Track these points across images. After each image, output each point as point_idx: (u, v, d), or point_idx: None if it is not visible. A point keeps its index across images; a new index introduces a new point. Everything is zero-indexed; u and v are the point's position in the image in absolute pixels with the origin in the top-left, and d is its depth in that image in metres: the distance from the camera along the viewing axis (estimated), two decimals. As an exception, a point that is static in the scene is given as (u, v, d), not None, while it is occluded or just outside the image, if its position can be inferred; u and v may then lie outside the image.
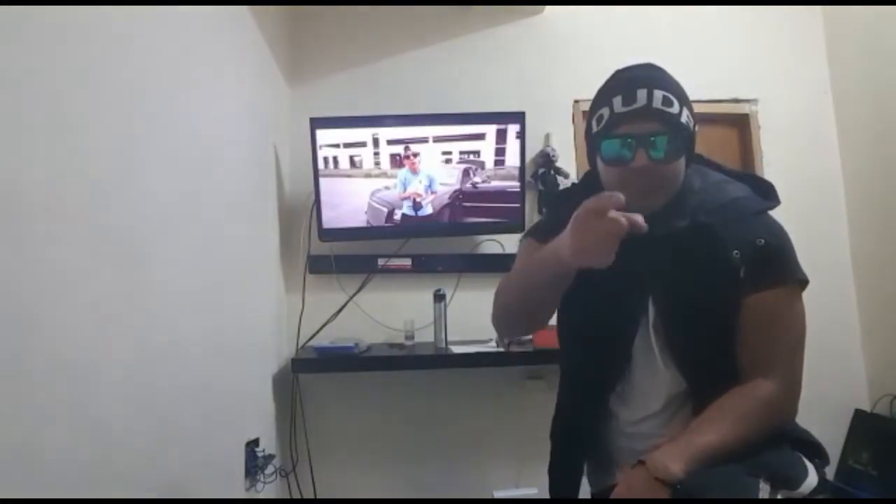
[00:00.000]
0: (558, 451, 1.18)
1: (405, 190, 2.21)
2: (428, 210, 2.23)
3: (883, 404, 2.30)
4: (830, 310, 2.27)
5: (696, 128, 1.05)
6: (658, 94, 0.98)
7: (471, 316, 2.25)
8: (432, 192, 2.22)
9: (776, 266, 1.00)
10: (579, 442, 1.12)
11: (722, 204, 1.04)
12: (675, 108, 0.99)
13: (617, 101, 1.00)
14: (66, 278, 0.90)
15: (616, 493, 0.90)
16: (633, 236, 0.86)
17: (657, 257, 1.03)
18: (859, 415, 2.34)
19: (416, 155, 2.20)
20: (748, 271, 0.99)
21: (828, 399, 2.21)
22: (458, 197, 2.23)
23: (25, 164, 0.82)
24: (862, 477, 2.17)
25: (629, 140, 0.99)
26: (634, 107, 0.98)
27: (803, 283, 1.03)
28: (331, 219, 2.18)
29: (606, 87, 1.06)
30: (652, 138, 0.98)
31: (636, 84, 0.99)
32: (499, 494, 2.12)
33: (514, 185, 2.23)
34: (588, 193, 1.11)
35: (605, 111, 1.01)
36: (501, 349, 2.08)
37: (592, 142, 1.07)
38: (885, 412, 2.27)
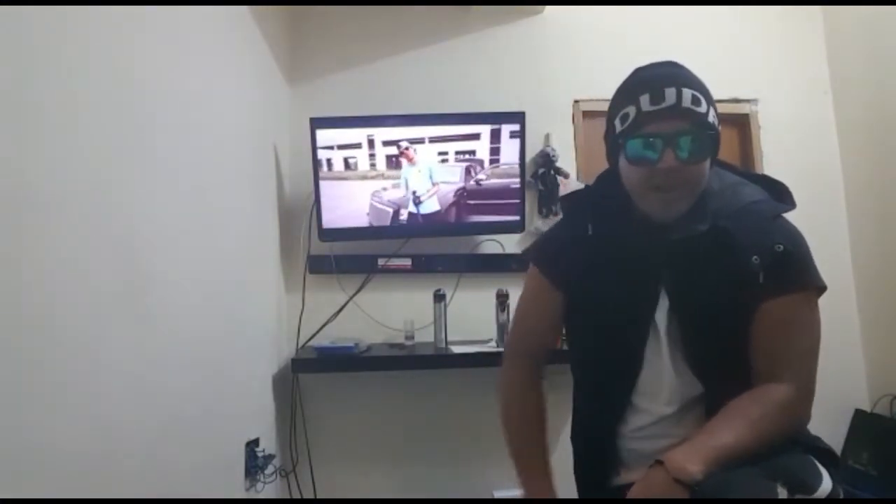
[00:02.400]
0: (579, 454, 1.19)
1: (408, 186, 2.20)
2: (434, 206, 2.21)
3: (883, 404, 2.30)
4: (830, 310, 2.25)
5: (721, 127, 1.03)
6: (687, 93, 0.96)
7: (471, 316, 2.26)
8: (434, 185, 2.21)
9: (795, 272, 0.99)
10: (598, 443, 1.12)
11: (740, 208, 1.02)
12: (704, 108, 0.97)
13: (644, 100, 0.97)
14: (66, 279, 0.90)
15: (634, 492, 0.89)
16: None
17: (675, 260, 1.03)
18: (859, 415, 2.34)
19: (407, 148, 2.19)
20: (767, 277, 0.98)
21: (828, 399, 2.19)
22: (463, 195, 2.23)
23: (27, 164, 0.82)
24: (862, 477, 2.17)
25: (656, 140, 0.97)
26: (663, 105, 0.96)
27: (821, 289, 1.02)
28: (331, 219, 2.17)
29: (630, 85, 1.03)
30: (679, 138, 0.96)
31: (664, 82, 0.97)
32: (499, 494, 2.12)
33: (514, 184, 2.23)
34: (606, 195, 1.12)
35: (632, 110, 0.99)
36: (501, 349, 2.07)
37: (615, 141, 1.04)
38: (885, 412, 2.27)
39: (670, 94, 0.96)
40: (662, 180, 0.98)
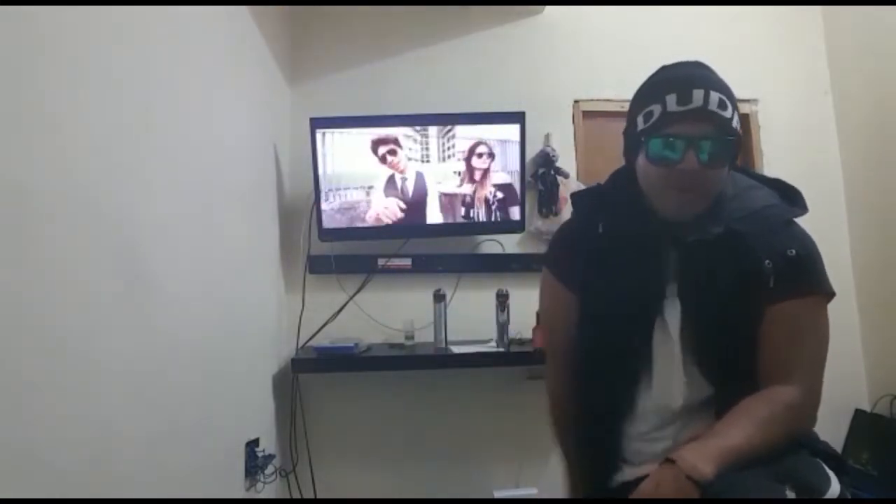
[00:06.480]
0: (579, 448, 1.19)
1: (398, 189, 2.20)
2: (434, 207, 2.22)
3: (883, 404, 2.30)
4: (831, 310, 2.25)
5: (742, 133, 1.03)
6: (714, 96, 0.96)
7: (471, 316, 2.26)
8: (419, 193, 2.20)
9: (805, 277, 1.00)
10: (603, 441, 1.11)
11: (753, 211, 1.02)
12: (729, 112, 0.97)
13: (671, 100, 0.96)
14: (66, 279, 0.90)
15: (643, 489, 0.89)
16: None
17: (688, 262, 1.03)
18: (859, 415, 2.34)
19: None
20: (778, 281, 0.98)
21: (828, 399, 2.19)
22: (463, 195, 2.22)
23: (27, 165, 0.82)
24: (862, 477, 2.17)
25: (679, 140, 0.96)
26: (690, 107, 0.95)
27: (830, 294, 1.03)
28: (331, 219, 2.17)
29: (656, 83, 1.02)
30: (702, 141, 0.96)
31: (693, 83, 0.96)
32: (499, 494, 2.12)
33: (514, 184, 2.23)
34: (619, 193, 1.12)
35: (657, 108, 0.98)
36: (501, 349, 2.08)
37: (636, 139, 1.03)
38: (885, 412, 2.27)
39: (698, 95, 0.95)
40: (681, 181, 0.98)
